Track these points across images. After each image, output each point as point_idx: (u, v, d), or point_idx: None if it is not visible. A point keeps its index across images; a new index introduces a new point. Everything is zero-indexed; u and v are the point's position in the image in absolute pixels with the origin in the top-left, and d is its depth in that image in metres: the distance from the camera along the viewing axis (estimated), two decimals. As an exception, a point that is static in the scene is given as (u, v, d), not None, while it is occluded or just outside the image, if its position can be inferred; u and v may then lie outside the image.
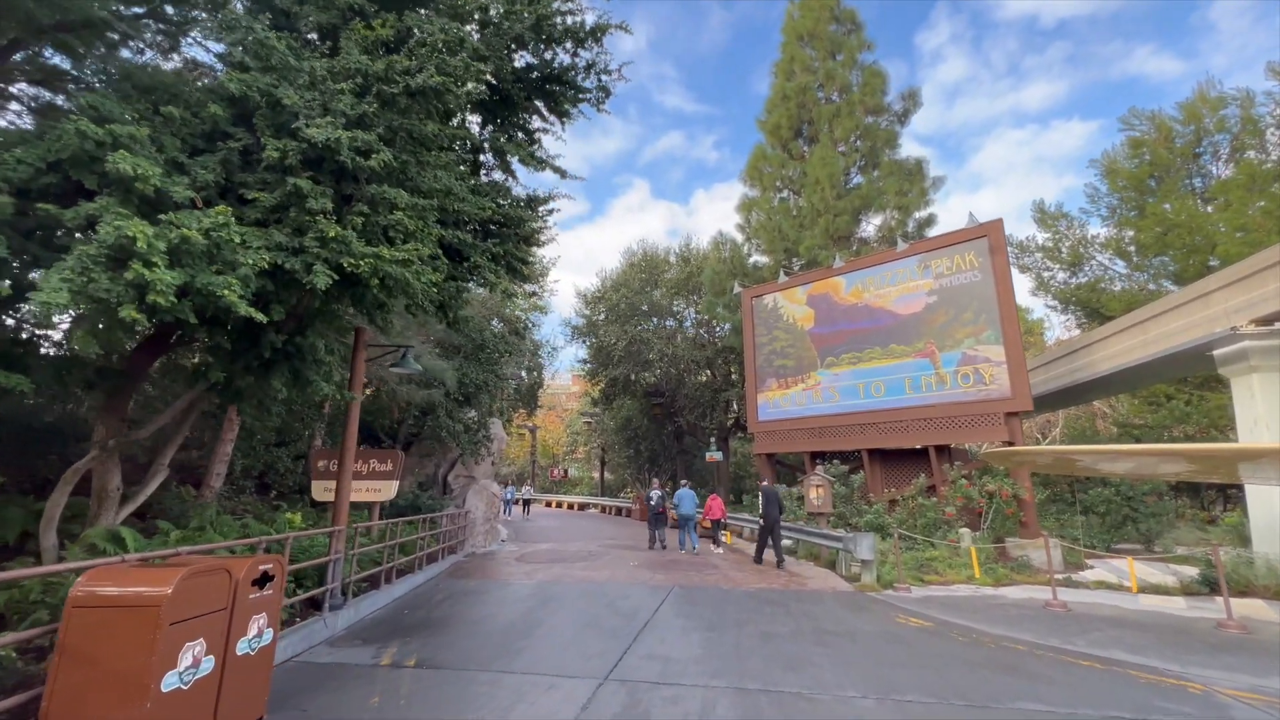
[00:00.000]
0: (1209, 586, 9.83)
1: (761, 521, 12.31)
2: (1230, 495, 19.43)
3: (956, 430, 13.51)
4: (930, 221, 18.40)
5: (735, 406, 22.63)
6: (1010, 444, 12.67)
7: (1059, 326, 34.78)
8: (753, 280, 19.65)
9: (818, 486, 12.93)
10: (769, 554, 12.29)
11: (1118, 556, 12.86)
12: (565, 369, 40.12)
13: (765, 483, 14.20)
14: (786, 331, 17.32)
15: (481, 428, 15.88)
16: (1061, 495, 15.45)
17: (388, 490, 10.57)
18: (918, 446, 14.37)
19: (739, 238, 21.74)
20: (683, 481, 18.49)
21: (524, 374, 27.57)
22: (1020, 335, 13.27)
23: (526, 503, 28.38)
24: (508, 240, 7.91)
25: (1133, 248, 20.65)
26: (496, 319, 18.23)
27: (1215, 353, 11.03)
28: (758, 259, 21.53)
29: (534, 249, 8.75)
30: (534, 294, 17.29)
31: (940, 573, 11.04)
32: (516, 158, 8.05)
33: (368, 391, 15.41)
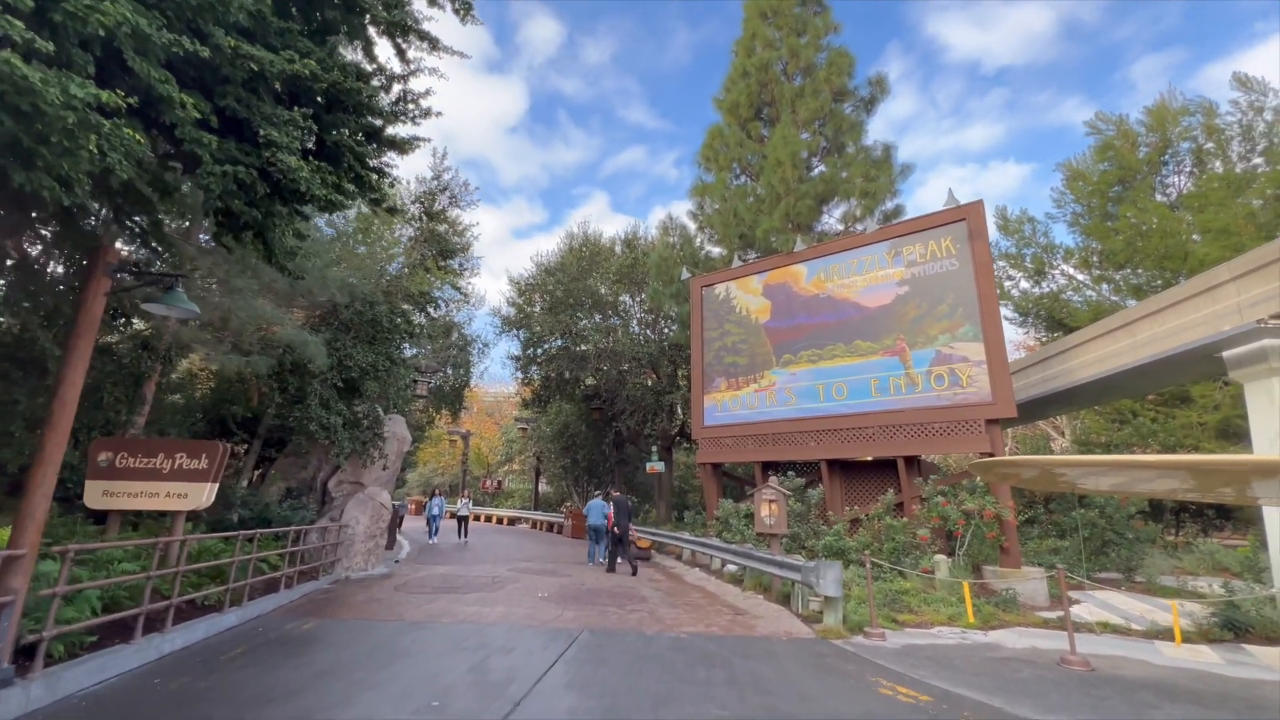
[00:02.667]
0: (1233, 631, 8.16)
1: (614, 531, 13.06)
2: (1182, 519, 18.53)
3: (929, 439, 11.68)
4: (897, 213, 16.85)
5: (680, 412, 20.46)
6: (990, 455, 10.90)
7: (1010, 346, 34.39)
8: (704, 272, 17.61)
9: (770, 502, 10.79)
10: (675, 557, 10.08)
11: (1102, 588, 11.25)
12: (508, 375, 37.04)
13: (616, 493, 14.39)
14: (739, 325, 15.28)
15: (372, 424, 13.05)
16: (1036, 517, 13.88)
17: (198, 495, 7.73)
18: (885, 457, 12.48)
19: (691, 226, 19.77)
20: (596, 492, 16.21)
21: (448, 371, 24.65)
22: (1002, 332, 11.60)
23: (462, 520, 20.94)
24: (343, 125, 5.40)
25: (1096, 258, 19.80)
26: (412, 303, 15.44)
27: (1226, 354, 9.56)
28: (710, 250, 19.56)
29: (392, 152, 6.20)
30: (449, 269, 14.69)
31: (915, 610, 9.02)
32: (369, 17, 5.58)
33: (196, 362, 12.39)
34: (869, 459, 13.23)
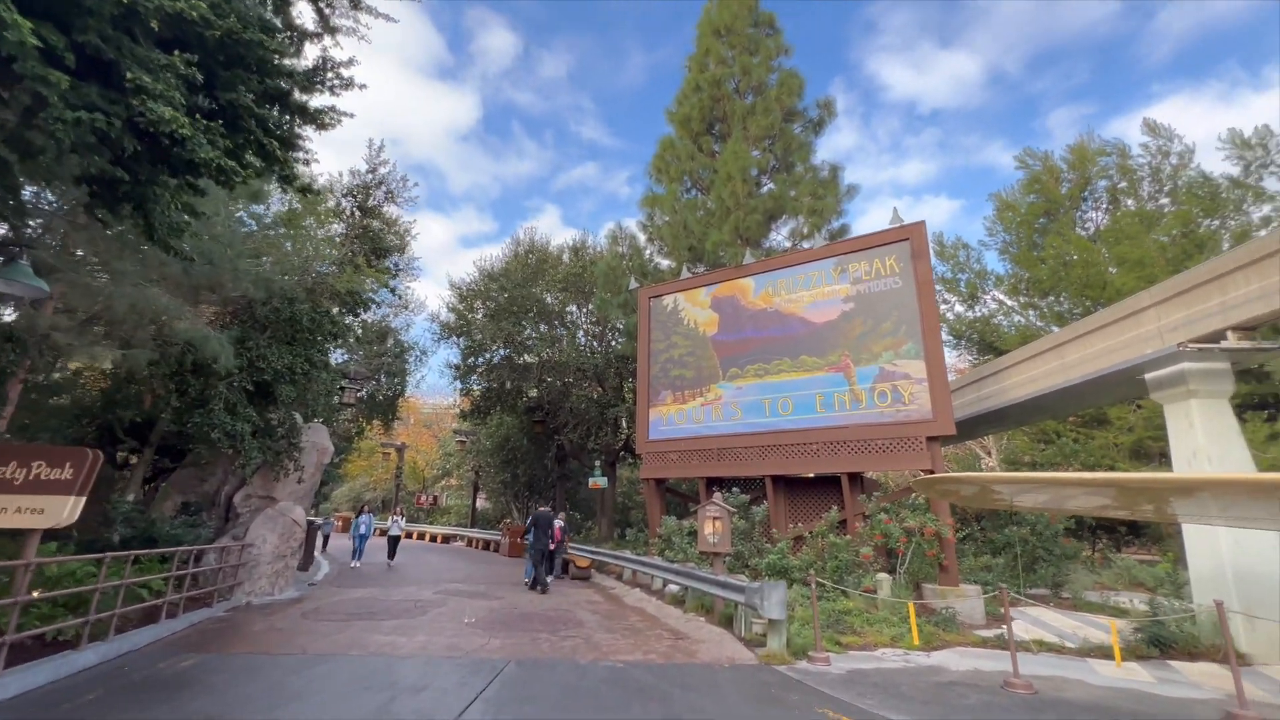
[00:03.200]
0: (1158, 647, 8.34)
1: (536, 545, 12.84)
2: (1098, 535, 19.45)
3: (872, 456, 11.65)
4: (843, 232, 17.12)
5: (625, 426, 19.96)
6: (930, 472, 10.93)
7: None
8: (652, 283, 17.32)
9: (714, 519, 10.42)
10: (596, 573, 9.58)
11: (1035, 605, 11.45)
12: (447, 385, 35.39)
13: (543, 508, 14.38)
14: (686, 337, 15.02)
15: (288, 432, 11.93)
16: (971, 534, 14.12)
17: (58, 510, 6.62)
18: (829, 474, 12.39)
19: (640, 237, 19.51)
20: (542, 507, 15.55)
21: (382, 379, 23.31)
22: (943, 350, 11.78)
23: (394, 540, 18.20)
24: (242, 84, 4.70)
25: (1024, 285, 20.79)
26: (339, 303, 14.27)
27: (1147, 376, 9.97)
28: (660, 262, 19.34)
29: (308, 125, 5.51)
30: (383, 268, 13.68)
31: (859, 631, 8.80)
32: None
33: (86, 360, 11.08)
34: (813, 475, 13.13)
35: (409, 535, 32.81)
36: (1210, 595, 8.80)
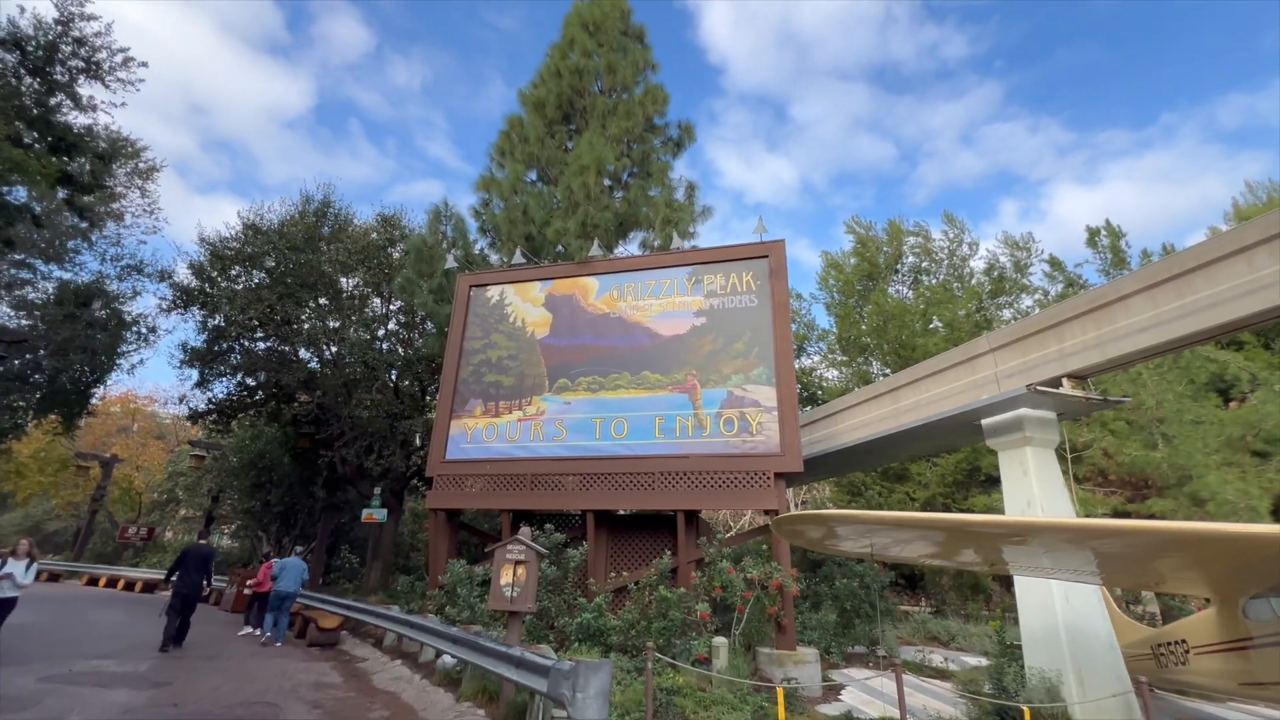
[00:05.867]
0: (999, 717, 7.43)
1: (178, 591, 9.94)
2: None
3: (714, 492, 9.97)
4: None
5: (420, 443, 16.26)
6: (775, 513, 9.50)
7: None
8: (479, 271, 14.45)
9: (517, 563, 7.68)
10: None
11: (862, 667, 10.47)
12: (179, 375, 27.47)
13: (203, 541, 11.23)
14: (511, 337, 12.36)
15: None
16: (804, 589, 13.09)
17: None
18: (663, 511, 10.44)
19: (472, 224, 16.52)
20: (297, 549, 11.46)
21: (72, 355, 16.70)
22: (794, 378, 10.73)
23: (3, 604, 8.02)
24: None
25: (845, 341, 21.82)
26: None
27: (984, 422, 9.71)
28: (491, 256, 16.53)
29: None
30: (58, 169, 8.93)
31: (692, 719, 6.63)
32: None
33: None
34: (643, 512, 11.11)
35: (93, 581, 24.03)
36: (1044, 656, 8.29)
